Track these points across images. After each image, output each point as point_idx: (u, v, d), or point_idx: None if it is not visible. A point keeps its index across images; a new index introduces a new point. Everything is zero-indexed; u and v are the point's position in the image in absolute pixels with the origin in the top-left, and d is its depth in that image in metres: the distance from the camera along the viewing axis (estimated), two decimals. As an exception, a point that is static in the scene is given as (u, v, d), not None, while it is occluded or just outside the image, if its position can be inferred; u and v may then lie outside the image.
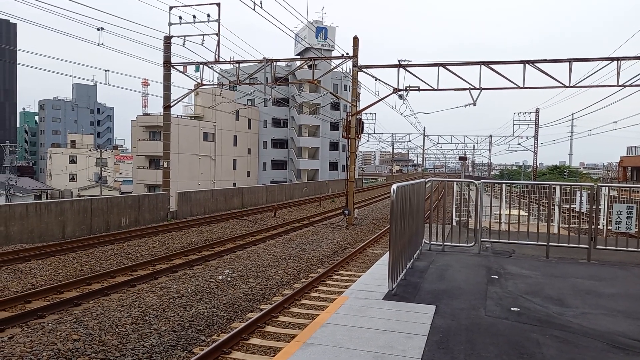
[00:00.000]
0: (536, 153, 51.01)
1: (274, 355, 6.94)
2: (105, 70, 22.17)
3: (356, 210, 25.50)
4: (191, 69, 24.02)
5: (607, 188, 12.45)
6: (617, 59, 18.38)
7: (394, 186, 5.28)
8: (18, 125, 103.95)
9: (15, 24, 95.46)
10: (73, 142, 78.29)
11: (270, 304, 9.60)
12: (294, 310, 9.39)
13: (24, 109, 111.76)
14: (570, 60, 18.86)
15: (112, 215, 19.44)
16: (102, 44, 19.43)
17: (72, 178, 71.87)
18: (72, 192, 61.79)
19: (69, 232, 17.33)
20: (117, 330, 7.77)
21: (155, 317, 8.51)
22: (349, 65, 25.33)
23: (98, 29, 19.12)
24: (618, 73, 18.40)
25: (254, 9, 18.42)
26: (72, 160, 73.28)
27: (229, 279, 11.51)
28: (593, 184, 8.19)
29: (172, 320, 8.43)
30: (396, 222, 5.36)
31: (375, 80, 22.41)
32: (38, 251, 14.05)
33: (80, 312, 8.63)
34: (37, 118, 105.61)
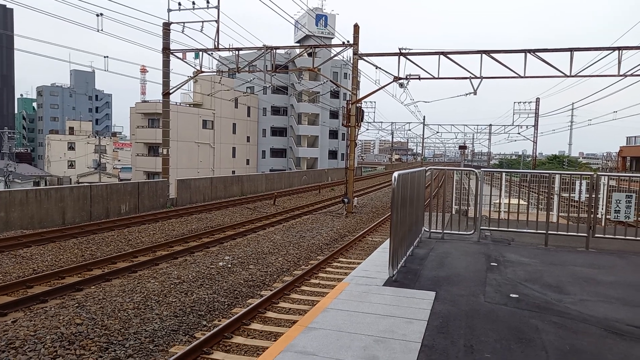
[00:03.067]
0: (536, 142, 51.04)
1: (275, 340, 7.02)
2: (104, 57, 22.04)
3: (355, 198, 25.57)
4: (190, 56, 23.86)
5: (606, 177, 12.49)
6: (619, 48, 18.32)
7: (395, 174, 5.31)
8: (16, 111, 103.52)
9: (12, 9, 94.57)
10: (71, 128, 78.09)
11: (271, 290, 9.68)
12: (294, 296, 9.47)
13: (21, 95, 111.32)
14: (571, 50, 18.78)
15: (111, 201, 19.47)
16: (102, 30, 19.28)
17: (71, 165, 71.82)
18: (70, 179, 61.77)
19: (69, 219, 17.37)
20: (119, 314, 7.85)
21: (156, 302, 8.58)
22: (349, 53, 25.20)
23: (97, 15, 18.96)
24: (619, 63, 18.35)
25: (254, -5, 18.23)
26: (71, 147, 73.17)
27: (229, 266, 11.59)
28: (592, 173, 8.22)
29: (174, 306, 8.51)
30: (397, 210, 5.40)
31: (376, 68, 22.33)
32: (38, 237, 14.09)
33: (82, 297, 8.70)
34: (35, 104, 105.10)
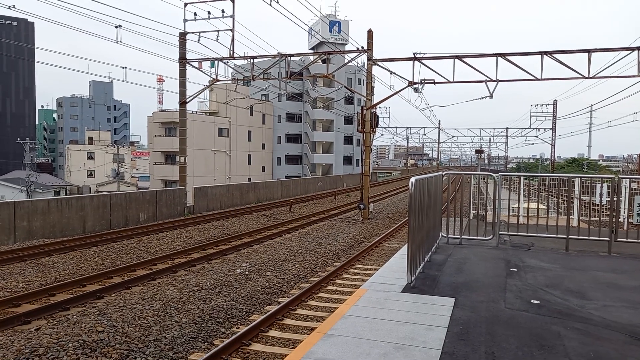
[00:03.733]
0: (554, 145, 50.31)
1: (293, 347, 7.03)
2: (123, 68, 22.46)
3: (371, 204, 25.49)
4: (206, 65, 24.13)
5: (628, 180, 12.25)
6: (638, 48, 18.02)
7: (413, 179, 5.30)
8: (37, 122, 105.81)
9: (33, 23, 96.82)
10: (90, 138, 79.58)
11: (288, 297, 9.69)
12: (311, 303, 9.47)
13: (42, 106, 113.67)
14: (589, 51, 18.54)
15: (130, 210, 19.75)
16: (120, 42, 19.66)
17: (90, 174, 73.06)
18: (90, 188, 62.78)
19: (89, 227, 17.66)
20: (139, 322, 7.94)
21: (176, 310, 8.66)
22: (363, 58, 25.25)
23: (116, 27, 19.35)
24: (639, 63, 18.03)
25: (270, 4, 18.45)
26: (90, 157, 74.49)
27: (247, 273, 11.64)
28: (614, 176, 8.09)
29: (193, 313, 8.57)
30: (414, 215, 5.39)
31: (390, 73, 22.33)
32: (60, 245, 14.35)
33: (103, 305, 8.83)
34: (55, 115, 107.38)
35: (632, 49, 18.15)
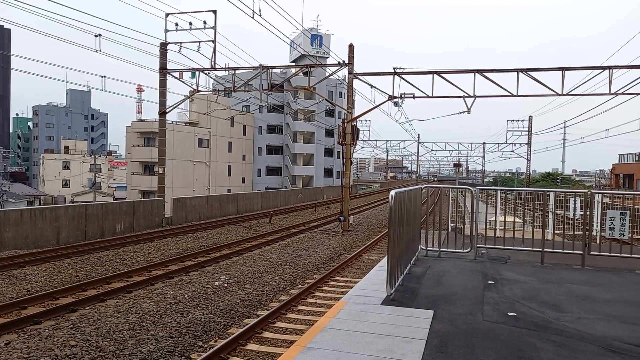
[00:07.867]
0: (529, 160, 51.42)
1: (272, 361, 6.96)
2: (102, 77, 22.19)
3: (351, 216, 25.55)
4: (187, 76, 24.01)
5: (600, 195, 12.57)
6: (609, 67, 18.64)
7: (392, 192, 5.35)
8: (11, 130, 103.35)
9: (9, 30, 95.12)
10: (67, 147, 78.06)
11: (267, 310, 9.60)
12: (290, 316, 9.40)
13: (17, 114, 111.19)
14: (563, 69, 19.10)
15: (107, 221, 19.37)
16: (100, 50, 19.45)
17: (66, 184, 71.56)
18: (65, 198, 61.43)
19: (64, 238, 17.24)
20: (114, 336, 7.76)
21: (152, 323, 8.50)
22: (344, 72, 25.49)
23: (96, 36, 19.15)
24: (610, 81, 18.65)
25: (252, 17, 18.55)
26: (66, 166, 73.02)
27: (226, 285, 11.51)
28: (587, 190, 8.30)
29: (169, 326, 8.42)
30: (394, 228, 5.43)
31: (371, 87, 22.58)
32: (33, 257, 13.97)
33: (76, 318, 8.60)
34: (30, 124, 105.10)
35: (604, 67, 18.76)
